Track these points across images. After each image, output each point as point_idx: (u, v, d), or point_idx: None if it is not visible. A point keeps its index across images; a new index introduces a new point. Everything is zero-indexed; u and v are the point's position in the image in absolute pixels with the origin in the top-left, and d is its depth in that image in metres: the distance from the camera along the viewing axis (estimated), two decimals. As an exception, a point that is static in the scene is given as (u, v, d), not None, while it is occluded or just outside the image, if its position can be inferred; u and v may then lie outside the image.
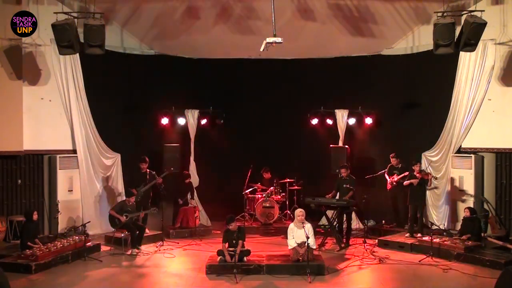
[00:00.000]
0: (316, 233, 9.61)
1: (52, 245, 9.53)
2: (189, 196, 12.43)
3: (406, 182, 11.10)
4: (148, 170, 11.61)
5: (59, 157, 11.57)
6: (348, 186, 11.09)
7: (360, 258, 9.81)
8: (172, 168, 11.97)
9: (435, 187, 11.80)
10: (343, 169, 11.32)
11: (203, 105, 13.06)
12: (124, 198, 11.29)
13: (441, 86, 11.88)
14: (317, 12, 11.74)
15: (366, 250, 10.36)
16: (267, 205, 12.34)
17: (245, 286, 8.29)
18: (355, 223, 12.10)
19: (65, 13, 10.11)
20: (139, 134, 12.87)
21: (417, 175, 10.90)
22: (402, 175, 11.40)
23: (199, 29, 12.26)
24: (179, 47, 12.99)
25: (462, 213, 10.49)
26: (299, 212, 9.23)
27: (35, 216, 9.87)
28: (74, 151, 11.78)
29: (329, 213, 11.30)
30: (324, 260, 9.23)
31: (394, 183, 11.64)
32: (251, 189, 12.78)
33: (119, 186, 12.39)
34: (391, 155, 11.87)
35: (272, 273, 8.77)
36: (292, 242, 9.10)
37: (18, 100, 11.08)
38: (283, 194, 12.76)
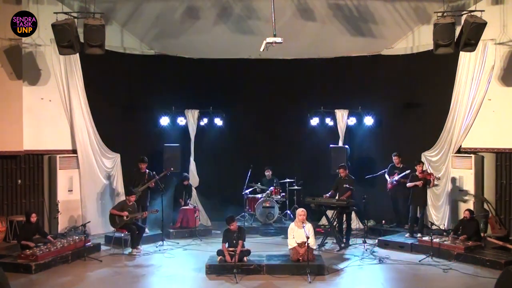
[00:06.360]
0: (316, 233, 9.60)
1: (45, 247, 9.44)
2: (186, 197, 12.45)
3: (409, 184, 11.05)
4: (147, 170, 11.61)
5: (59, 157, 11.57)
6: (347, 186, 11.09)
7: (360, 258, 9.81)
8: (172, 168, 11.97)
9: (435, 185, 11.78)
10: (341, 169, 11.31)
11: (203, 105, 13.06)
12: (124, 198, 11.29)
13: (441, 86, 11.87)
14: (317, 12, 11.74)
15: (366, 250, 10.36)
16: (267, 205, 12.34)
17: (245, 286, 8.29)
18: (355, 223, 12.10)
19: (65, 13, 10.11)
20: (139, 134, 12.87)
21: (419, 175, 10.89)
22: (403, 173, 11.40)
23: (199, 29, 12.26)
24: (179, 47, 13.00)
25: (462, 213, 10.47)
26: (301, 211, 9.23)
27: (32, 219, 9.83)
28: (74, 151, 11.78)
29: (329, 213, 11.31)
30: (324, 260, 9.23)
31: (395, 182, 11.63)
32: (251, 189, 12.78)
33: (119, 186, 12.39)
34: (393, 154, 11.85)
35: (272, 273, 8.76)
36: (292, 242, 9.09)
37: (18, 100, 11.09)
38: (283, 194, 12.76)
